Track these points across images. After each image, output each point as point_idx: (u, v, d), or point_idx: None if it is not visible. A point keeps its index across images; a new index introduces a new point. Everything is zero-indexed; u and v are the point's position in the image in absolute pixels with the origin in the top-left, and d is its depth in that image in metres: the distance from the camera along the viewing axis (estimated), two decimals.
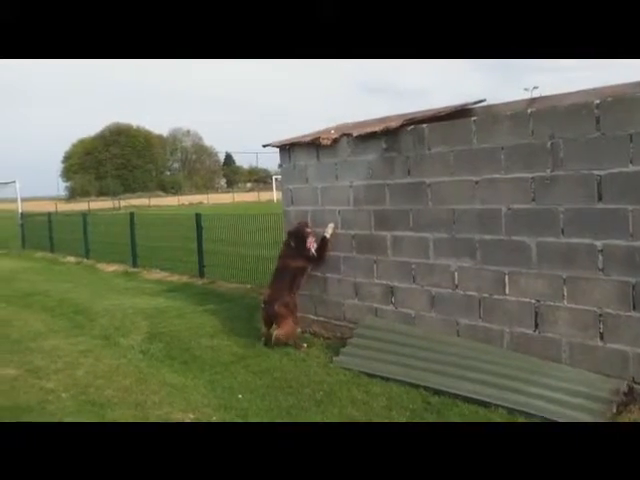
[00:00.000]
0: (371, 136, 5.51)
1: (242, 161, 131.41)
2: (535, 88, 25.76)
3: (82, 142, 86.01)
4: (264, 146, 6.79)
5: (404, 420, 4.16)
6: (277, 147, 6.63)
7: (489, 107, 5.43)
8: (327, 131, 6.19)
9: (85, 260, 14.63)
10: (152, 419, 4.36)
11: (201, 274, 10.53)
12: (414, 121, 5.27)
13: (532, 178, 4.41)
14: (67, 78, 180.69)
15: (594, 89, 4.60)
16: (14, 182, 20.83)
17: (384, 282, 5.60)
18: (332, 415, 4.30)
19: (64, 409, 4.65)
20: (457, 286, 4.99)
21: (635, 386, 3.99)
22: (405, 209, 5.34)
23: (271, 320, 6.03)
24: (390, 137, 5.38)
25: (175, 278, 10.90)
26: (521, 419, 3.98)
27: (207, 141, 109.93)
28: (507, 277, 4.62)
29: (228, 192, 74.55)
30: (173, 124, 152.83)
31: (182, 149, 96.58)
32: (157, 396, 4.85)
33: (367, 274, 5.75)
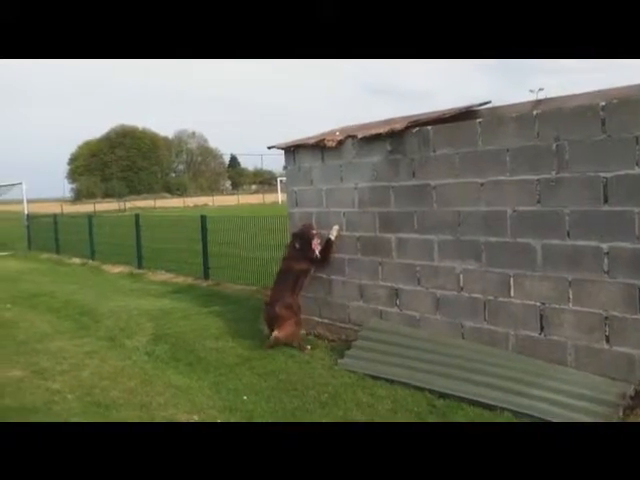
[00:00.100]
0: (376, 138, 5.50)
1: (247, 163, 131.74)
2: (540, 90, 25.65)
3: (88, 144, 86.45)
4: (269, 148, 6.83)
5: None
6: (282, 149, 6.65)
7: (494, 109, 5.42)
8: (332, 133, 6.19)
9: (90, 261, 14.68)
10: (157, 420, 4.37)
11: (206, 276, 10.54)
12: (419, 123, 5.27)
13: (537, 180, 4.40)
14: (72, 80, 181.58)
15: (599, 91, 4.58)
16: (20, 184, 20.95)
17: (389, 284, 5.59)
18: (337, 417, 4.30)
19: (70, 410, 4.67)
20: (462, 288, 4.98)
21: None
22: (410, 211, 5.34)
23: (272, 321, 6.03)
24: (395, 139, 5.37)
25: (180, 280, 10.90)
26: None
27: (212, 143, 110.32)
28: (512, 279, 4.61)
29: (233, 194, 74.78)
30: (178, 126, 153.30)
31: (187, 151, 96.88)
32: (162, 397, 4.86)
33: (372, 276, 5.74)
